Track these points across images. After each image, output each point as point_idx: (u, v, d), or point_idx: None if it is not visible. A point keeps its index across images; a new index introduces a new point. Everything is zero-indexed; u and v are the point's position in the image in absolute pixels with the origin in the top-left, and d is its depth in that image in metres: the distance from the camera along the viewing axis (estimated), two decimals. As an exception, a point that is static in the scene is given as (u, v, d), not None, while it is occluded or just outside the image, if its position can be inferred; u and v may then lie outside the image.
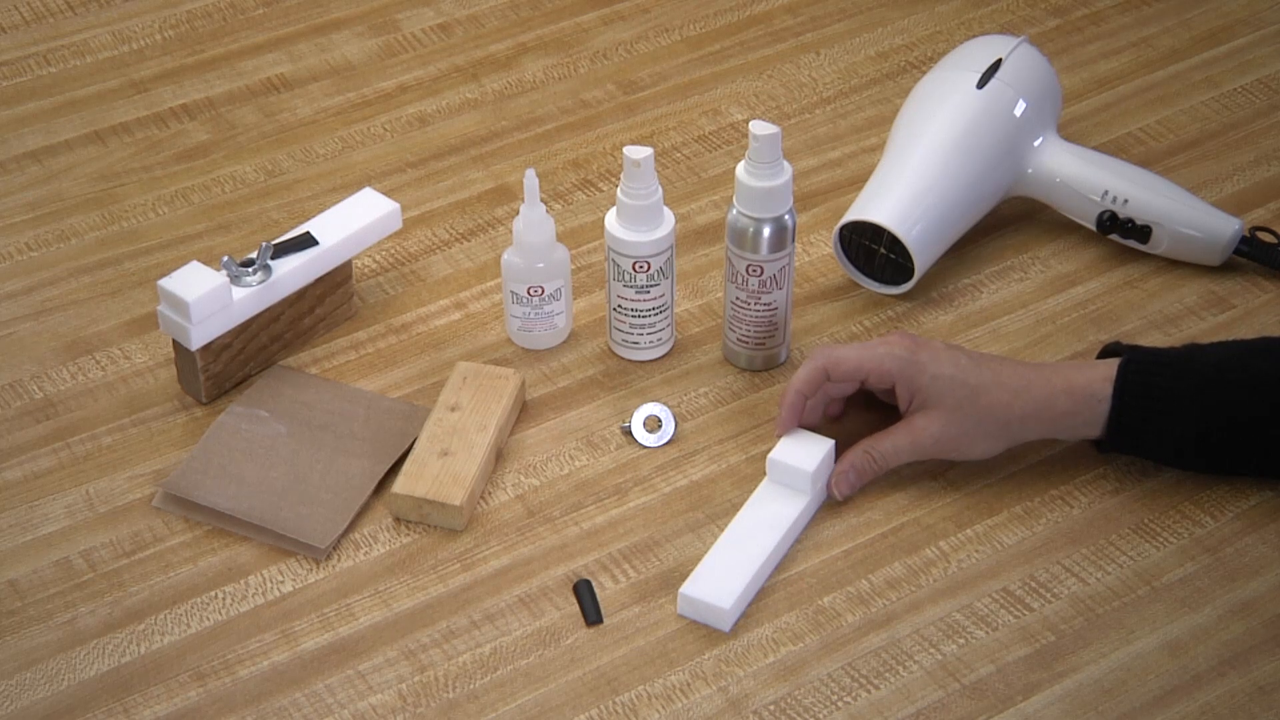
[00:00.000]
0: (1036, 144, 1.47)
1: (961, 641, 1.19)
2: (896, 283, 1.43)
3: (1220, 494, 1.28)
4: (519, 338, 1.40)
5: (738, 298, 1.35)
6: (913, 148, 1.44)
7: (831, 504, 1.28)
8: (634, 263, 1.34)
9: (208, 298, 1.31)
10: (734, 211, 1.32)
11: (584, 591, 1.22)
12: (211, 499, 1.28)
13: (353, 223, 1.40)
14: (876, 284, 1.44)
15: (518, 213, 1.37)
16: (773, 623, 1.21)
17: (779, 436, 1.28)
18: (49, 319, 1.44)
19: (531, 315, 1.38)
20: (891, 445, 1.26)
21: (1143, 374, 1.23)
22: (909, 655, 1.19)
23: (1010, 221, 1.50)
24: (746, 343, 1.37)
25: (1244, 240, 1.44)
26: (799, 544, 1.25)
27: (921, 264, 1.41)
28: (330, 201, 1.50)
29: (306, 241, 1.38)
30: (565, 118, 1.62)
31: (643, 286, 1.35)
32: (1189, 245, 1.44)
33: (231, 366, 1.36)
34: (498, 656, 1.19)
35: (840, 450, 1.28)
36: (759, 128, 1.28)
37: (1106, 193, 1.45)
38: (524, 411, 1.35)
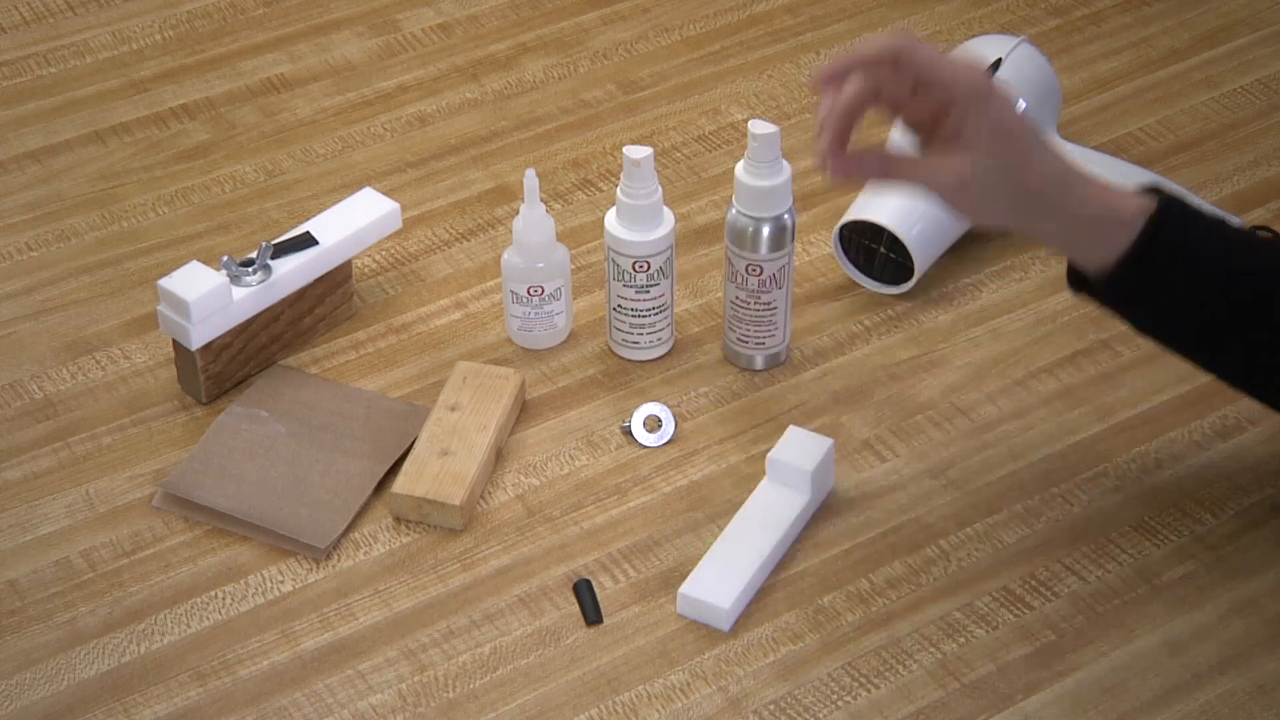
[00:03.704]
0: (1036, 143, 1.47)
1: (961, 640, 1.19)
2: (896, 282, 1.43)
3: (1221, 491, 1.28)
4: (519, 338, 1.40)
5: (737, 297, 1.35)
6: (913, 147, 1.44)
7: (832, 504, 1.28)
8: (634, 262, 1.34)
9: (208, 298, 1.31)
10: (734, 211, 1.32)
11: (584, 591, 1.22)
12: (211, 499, 1.28)
13: (353, 223, 1.40)
14: (876, 284, 1.44)
15: (518, 213, 1.37)
16: (773, 622, 1.21)
17: (822, 140, 1.14)
18: (49, 319, 1.44)
19: (531, 315, 1.38)
20: (915, 162, 1.15)
21: (1179, 221, 1.15)
22: (909, 654, 1.19)
23: (1010, 221, 1.50)
24: (746, 342, 1.37)
25: (1244, 239, 1.44)
26: (799, 544, 1.25)
27: (921, 264, 1.41)
28: (330, 201, 1.50)
29: (306, 241, 1.38)
30: (565, 118, 1.62)
31: (642, 286, 1.35)
32: (1189, 244, 1.44)
33: (231, 366, 1.36)
34: (498, 656, 1.19)
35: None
36: (758, 127, 1.28)
37: (1106, 192, 1.45)
38: (524, 411, 1.35)
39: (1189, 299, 1.17)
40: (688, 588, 1.21)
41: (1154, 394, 1.36)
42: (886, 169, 1.16)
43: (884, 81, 1.14)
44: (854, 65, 1.14)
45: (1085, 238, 1.16)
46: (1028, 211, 1.15)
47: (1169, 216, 1.15)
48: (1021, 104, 1.41)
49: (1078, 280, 1.19)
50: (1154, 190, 1.17)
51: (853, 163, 1.15)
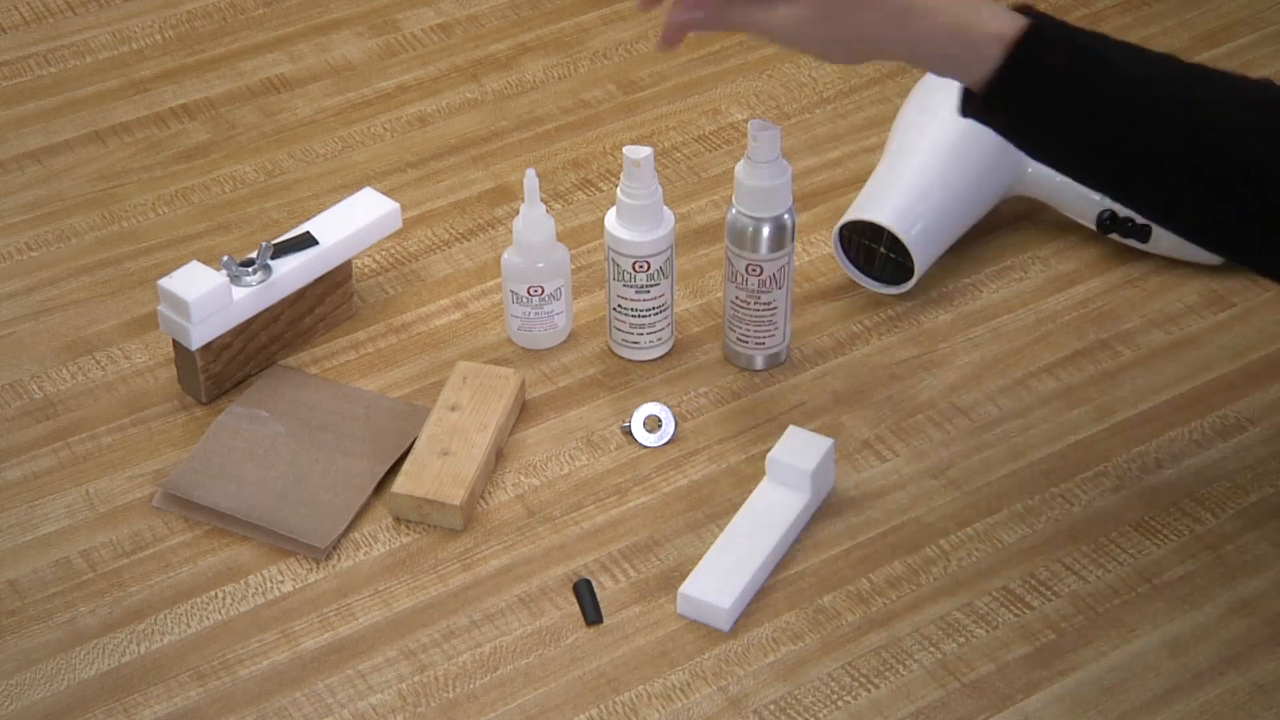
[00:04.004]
0: (1036, 143, 1.47)
1: (961, 640, 1.19)
2: (896, 282, 1.43)
3: (1221, 490, 1.28)
4: (519, 338, 1.40)
5: (737, 297, 1.35)
6: (913, 147, 1.44)
7: (832, 504, 1.28)
8: (634, 262, 1.34)
9: (208, 298, 1.31)
10: (733, 211, 1.32)
11: (584, 591, 1.22)
12: (211, 499, 1.28)
13: (353, 223, 1.40)
14: (876, 284, 1.44)
15: (518, 213, 1.37)
16: (773, 622, 1.21)
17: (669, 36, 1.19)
18: (49, 319, 1.44)
19: (531, 315, 1.38)
20: (750, 9, 1.16)
21: (1040, 51, 1.13)
22: (909, 654, 1.19)
23: (1010, 221, 1.50)
24: (746, 342, 1.37)
25: (1244, 239, 1.44)
26: (799, 544, 1.25)
27: (921, 264, 1.41)
28: (330, 201, 1.50)
29: (306, 241, 1.38)
30: (565, 118, 1.62)
31: (643, 286, 1.35)
32: (1189, 244, 1.44)
33: (231, 366, 1.36)
34: (498, 656, 1.19)
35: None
36: (758, 126, 1.28)
37: (1106, 192, 1.45)
38: (524, 411, 1.35)
39: (1055, 129, 1.15)
40: (688, 588, 1.21)
41: (1154, 394, 1.36)
42: (724, 13, 1.16)
43: None
44: None
45: (942, 68, 1.15)
46: (871, 51, 1.15)
47: (1031, 42, 1.12)
48: None
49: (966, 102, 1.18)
50: (1024, 9, 1.15)
51: (691, 4, 1.17)
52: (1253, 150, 1.11)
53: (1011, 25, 1.13)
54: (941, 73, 1.16)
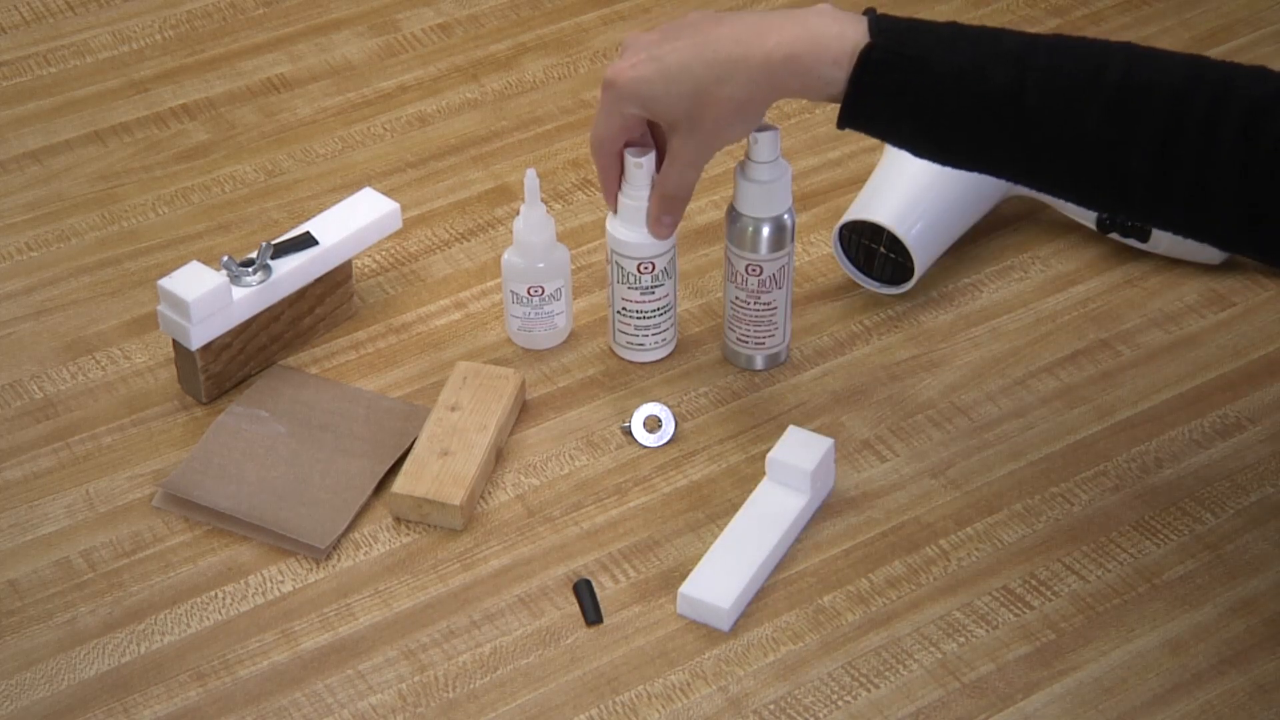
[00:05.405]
0: (1036, 143, 1.47)
1: (961, 640, 1.19)
2: (896, 282, 1.43)
3: (1221, 490, 1.28)
4: (519, 338, 1.40)
5: (737, 297, 1.35)
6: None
7: (832, 504, 1.28)
8: (638, 264, 1.34)
9: (208, 298, 1.31)
10: (733, 211, 1.32)
11: (584, 591, 1.22)
12: (211, 499, 1.28)
13: (353, 223, 1.40)
14: (876, 284, 1.44)
15: (518, 213, 1.37)
16: (773, 622, 1.21)
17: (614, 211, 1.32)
18: (49, 319, 1.44)
19: (531, 315, 1.38)
20: (678, 176, 1.27)
21: (880, 72, 1.18)
22: (909, 654, 1.19)
23: (1010, 221, 1.50)
24: (746, 342, 1.37)
25: (1244, 239, 1.44)
26: (799, 543, 1.25)
27: (921, 263, 1.41)
28: (330, 201, 1.50)
29: (306, 241, 1.38)
30: (565, 118, 1.62)
31: (647, 288, 1.35)
32: (1189, 243, 1.44)
33: (231, 366, 1.36)
34: (498, 656, 1.19)
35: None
36: (758, 127, 1.28)
37: (1106, 192, 1.45)
38: (524, 411, 1.35)
39: (914, 139, 1.21)
40: (688, 588, 1.21)
41: (1154, 393, 1.36)
42: (681, 199, 1.28)
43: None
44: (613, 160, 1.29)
45: (802, 94, 1.21)
46: (751, 112, 1.23)
47: (868, 74, 1.17)
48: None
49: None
50: (870, 13, 1.19)
51: (663, 223, 1.30)
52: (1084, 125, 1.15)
53: (845, 50, 1.18)
54: (807, 97, 1.21)
